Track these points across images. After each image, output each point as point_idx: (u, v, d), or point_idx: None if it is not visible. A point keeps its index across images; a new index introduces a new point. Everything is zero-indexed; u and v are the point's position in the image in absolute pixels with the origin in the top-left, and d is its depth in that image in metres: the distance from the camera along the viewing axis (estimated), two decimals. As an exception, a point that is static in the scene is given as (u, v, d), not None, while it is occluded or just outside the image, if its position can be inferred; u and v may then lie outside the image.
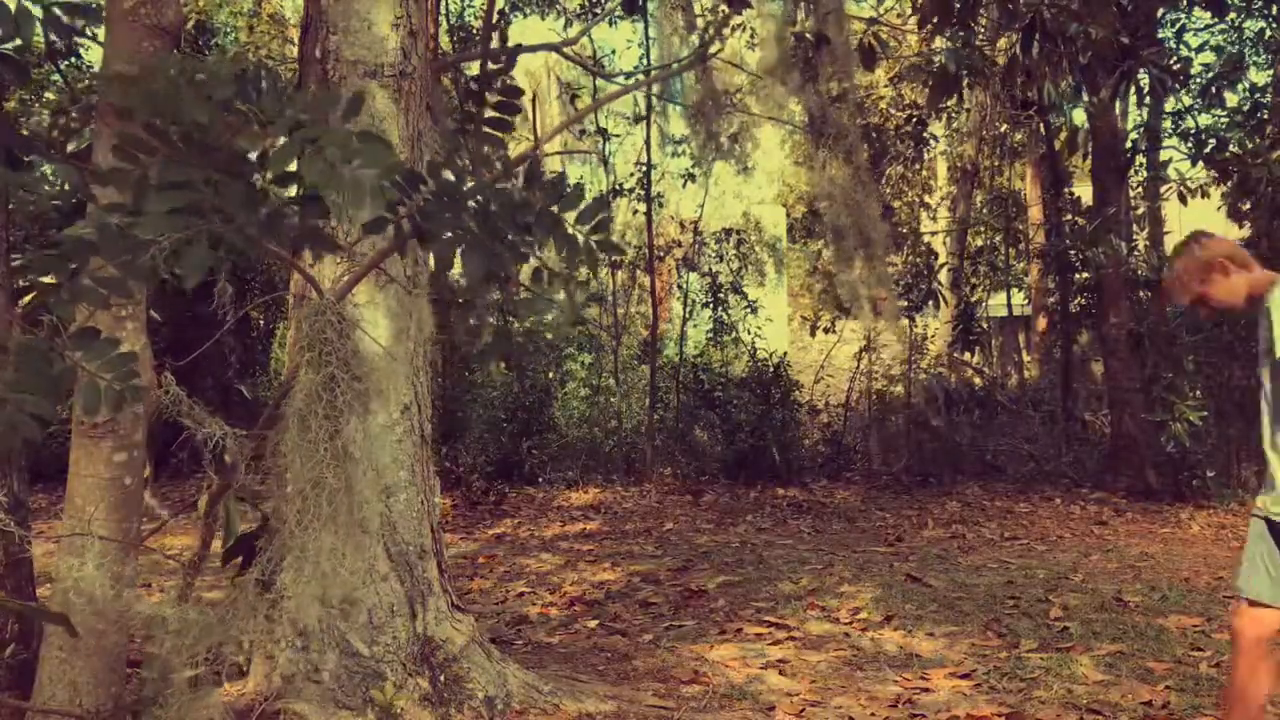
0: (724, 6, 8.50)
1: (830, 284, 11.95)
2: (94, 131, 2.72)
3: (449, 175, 1.88)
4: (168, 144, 1.72)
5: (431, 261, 3.92)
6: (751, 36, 10.15)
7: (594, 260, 1.93)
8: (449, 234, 1.85)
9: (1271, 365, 2.94)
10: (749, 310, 11.36)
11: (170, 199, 1.67)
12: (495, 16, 5.94)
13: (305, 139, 1.65)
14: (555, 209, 1.89)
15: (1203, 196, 9.64)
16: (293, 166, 1.68)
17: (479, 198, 1.86)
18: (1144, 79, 8.16)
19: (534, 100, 11.73)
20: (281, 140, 1.70)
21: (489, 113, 2.56)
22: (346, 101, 1.76)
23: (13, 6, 1.97)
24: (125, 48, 2.62)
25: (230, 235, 1.73)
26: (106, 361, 1.88)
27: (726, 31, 9.07)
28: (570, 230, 1.90)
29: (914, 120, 11.94)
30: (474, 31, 11.57)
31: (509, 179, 2.04)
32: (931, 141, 12.75)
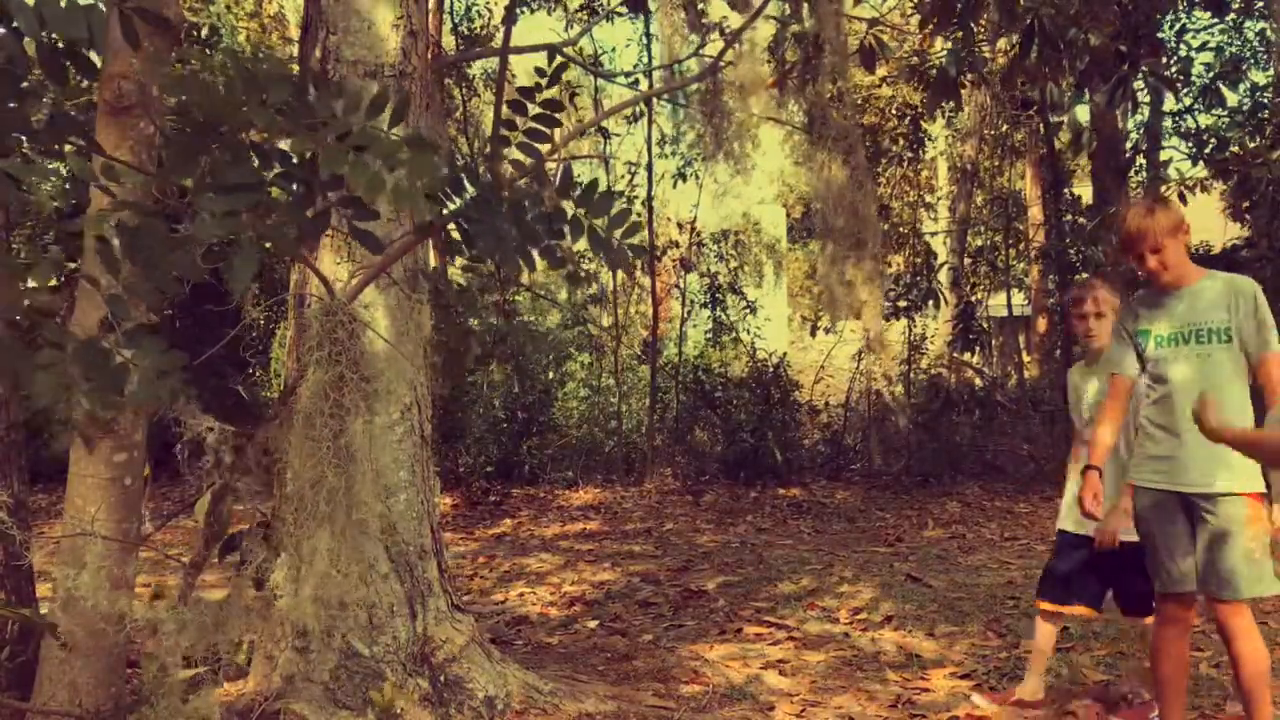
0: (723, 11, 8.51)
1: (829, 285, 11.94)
2: (95, 127, 2.71)
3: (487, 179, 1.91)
4: (222, 144, 1.74)
5: (433, 261, 3.92)
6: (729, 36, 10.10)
7: (625, 260, 1.97)
8: (488, 238, 1.89)
9: None
10: (748, 310, 11.36)
11: (229, 201, 1.69)
12: (504, 15, 5.96)
13: (354, 144, 1.67)
14: (586, 214, 1.94)
15: (1202, 191, 9.63)
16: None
17: (515, 201, 1.89)
18: (1140, 86, 8.16)
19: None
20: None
21: (529, 124, 2.59)
22: (369, 100, 1.77)
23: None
24: (126, 47, 2.61)
25: (275, 237, 1.74)
26: (157, 358, 1.93)
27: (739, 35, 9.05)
28: (602, 234, 1.93)
29: (908, 119, 11.93)
30: (478, 31, 11.58)
31: (536, 184, 2.06)
32: (927, 141, 12.74)
